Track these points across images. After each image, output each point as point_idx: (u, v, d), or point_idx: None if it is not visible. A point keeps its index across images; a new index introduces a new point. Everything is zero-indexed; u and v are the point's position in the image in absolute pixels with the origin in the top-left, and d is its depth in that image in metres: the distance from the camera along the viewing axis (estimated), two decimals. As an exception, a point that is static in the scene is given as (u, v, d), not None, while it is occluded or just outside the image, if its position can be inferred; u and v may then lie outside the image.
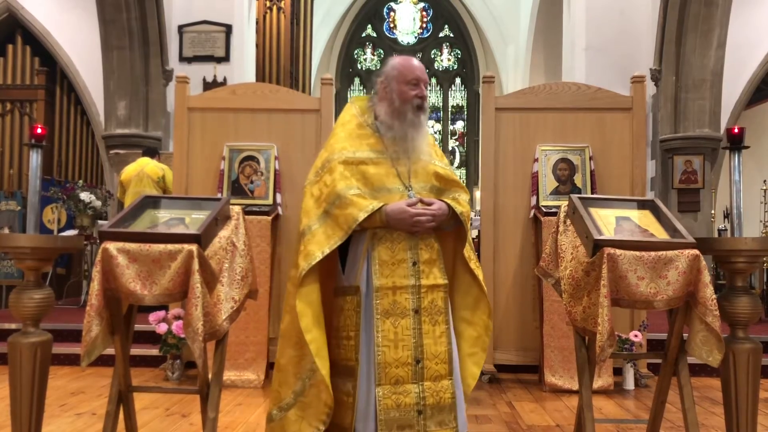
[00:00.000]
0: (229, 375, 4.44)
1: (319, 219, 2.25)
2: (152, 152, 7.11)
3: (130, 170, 6.82)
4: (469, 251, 2.39)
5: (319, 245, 2.21)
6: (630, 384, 4.47)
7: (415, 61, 2.40)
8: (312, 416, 2.21)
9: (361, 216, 2.18)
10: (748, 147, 2.60)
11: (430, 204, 2.27)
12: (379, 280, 2.24)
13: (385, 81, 2.38)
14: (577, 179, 4.69)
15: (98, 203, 7.33)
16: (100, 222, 7.29)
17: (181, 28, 8.65)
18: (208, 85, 8.40)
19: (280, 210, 4.83)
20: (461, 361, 2.38)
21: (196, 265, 2.23)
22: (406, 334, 2.23)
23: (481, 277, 2.39)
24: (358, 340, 2.23)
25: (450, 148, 17.41)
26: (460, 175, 16.92)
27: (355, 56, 17.55)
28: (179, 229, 2.40)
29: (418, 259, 2.27)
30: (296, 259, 2.30)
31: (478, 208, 5.45)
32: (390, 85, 2.36)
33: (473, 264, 2.39)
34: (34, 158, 2.46)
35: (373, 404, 2.19)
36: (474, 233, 6.94)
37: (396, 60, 2.41)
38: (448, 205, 2.31)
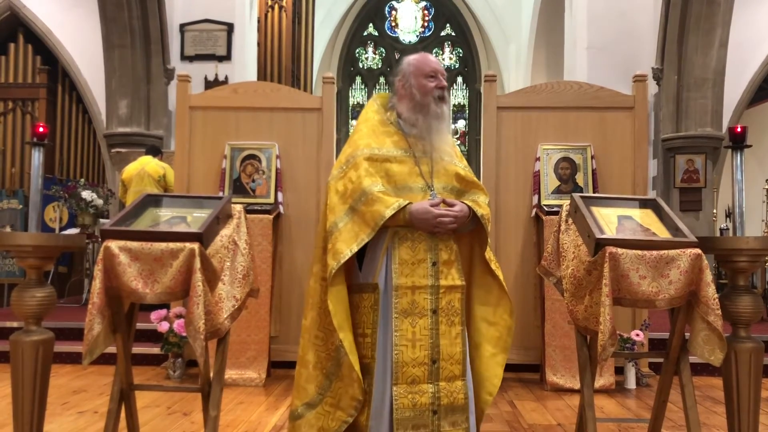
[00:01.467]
0: (230, 373, 4.45)
1: (345, 215, 2.25)
2: (156, 151, 7.11)
3: (131, 169, 6.82)
4: (489, 252, 2.40)
5: (347, 243, 2.21)
6: (631, 383, 4.47)
7: (430, 55, 2.43)
8: (340, 409, 2.22)
9: (388, 213, 2.19)
10: (750, 146, 2.60)
11: (452, 205, 2.28)
12: (399, 279, 2.24)
13: (403, 78, 2.39)
14: (579, 178, 4.69)
15: (100, 202, 7.33)
16: (101, 220, 7.30)
17: (182, 26, 8.65)
18: (209, 84, 8.40)
19: (281, 209, 4.83)
20: (485, 362, 2.38)
21: (197, 264, 2.23)
22: (424, 334, 2.23)
23: (501, 277, 2.40)
24: (375, 338, 2.23)
25: (451, 147, 17.37)
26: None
27: (357, 55, 17.51)
28: (181, 228, 2.40)
29: (437, 259, 2.27)
30: (320, 255, 2.31)
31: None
32: (408, 81, 2.37)
33: (494, 265, 2.40)
34: (36, 157, 2.46)
35: (389, 403, 2.19)
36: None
37: (410, 57, 2.43)
38: (469, 207, 2.32)
